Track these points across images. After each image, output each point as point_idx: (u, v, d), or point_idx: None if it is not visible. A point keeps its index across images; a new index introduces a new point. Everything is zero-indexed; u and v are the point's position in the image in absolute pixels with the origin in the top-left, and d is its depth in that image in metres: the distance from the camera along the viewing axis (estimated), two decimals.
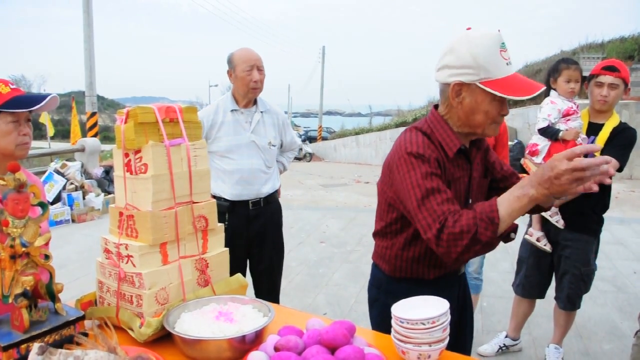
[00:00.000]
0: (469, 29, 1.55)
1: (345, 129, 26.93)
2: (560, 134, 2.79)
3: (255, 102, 3.06)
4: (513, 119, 12.97)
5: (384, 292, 1.80)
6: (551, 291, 3.21)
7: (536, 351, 3.46)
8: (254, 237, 3.08)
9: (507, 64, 1.51)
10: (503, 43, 1.51)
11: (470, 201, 1.72)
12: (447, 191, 1.51)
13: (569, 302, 3.02)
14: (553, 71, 2.86)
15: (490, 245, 1.43)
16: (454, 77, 1.55)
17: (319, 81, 36.05)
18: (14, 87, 1.68)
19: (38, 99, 1.67)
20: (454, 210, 1.47)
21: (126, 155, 1.58)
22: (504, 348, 3.41)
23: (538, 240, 3.03)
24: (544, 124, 2.83)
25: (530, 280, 3.20)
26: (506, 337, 3.43)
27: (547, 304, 3.52)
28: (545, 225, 3.00)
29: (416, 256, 1.70)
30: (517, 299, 3.36)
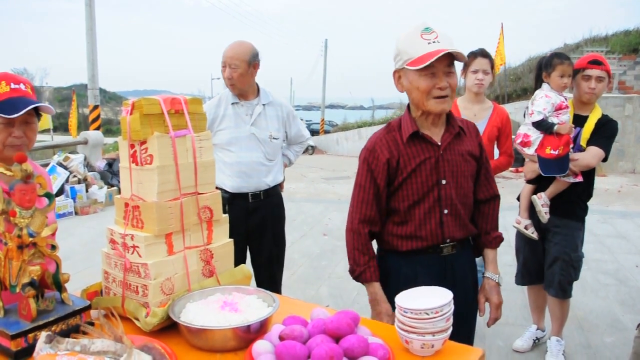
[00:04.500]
0: None
1: (347, 122, 26.89)
2: (555, 127, 2.85)
3: (257, 94, 3.06)
4: (516, 112, 12.94)
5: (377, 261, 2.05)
6: None
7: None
8: (253, 230, 3.08)
9: (429, 43, 1.72)
10: (426, 28, 1.75)
11: (444, 182, 1.87)
12: (370, 192, 1.88)
13: (561, 289, 3.05)
14: (546, 66, 2.94)
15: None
16: (393, 69, 1.85)
17: (321, 74, 36.04)
18: (15, 87, 1.65)
19: (28, 104, 1.63)
20: (368, 221, 1.90)
21: (132, 146, 1.59)
22: (536, 341, 3.44)
23: (526, 228, 3.10)
24: (539, 117, 2.89)
25: (528, 268, 3.26)
26: (537, 329, 3.46)
27: None
28: (534, 213, 3.06)
29: (389, 229, 1.95)
30: (527, 289, 3.45)
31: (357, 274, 1.93)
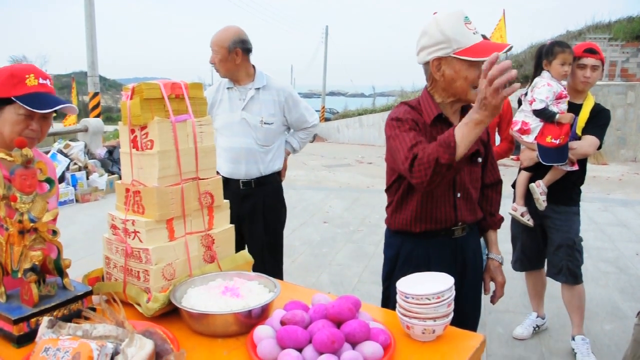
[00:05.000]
0: (435, 13, 1.79)
1: (348, 110, 26.80)
2: (557, 117, 2.86)
3: (253, 79, 3.03)
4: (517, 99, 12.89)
5: (385, 244, 2.08)
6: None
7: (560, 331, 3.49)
8: (244, 217, 3.03)
9: (473, 33, 1.73)
10: (466, 17, 1.74)
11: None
12: (421, 140, 1.72)
13: (571, 274, 3.05)
14: (547, 53, 2.94)
15: (452, 167, 1.60)
16: (431, 55, 1.77)
17: (322, 61, 35.85)
18: (43, 82, 1.66)
19: (57, 103, 1.65)
20: (423, 147, 1.68)
21: (132, 131, 1.58)
22: (536, 328, 3.45)
23: (522, 215, 3.12)
24: (541, 105, 2.89)
25: (527, 254, 3.27)
26: (537, 317, 3.47)
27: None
28: (530, 200, 3.07)
29: (402, 211, 1.94)
30: (525, 276, 3.45)
31: (453, 144, 1.58)
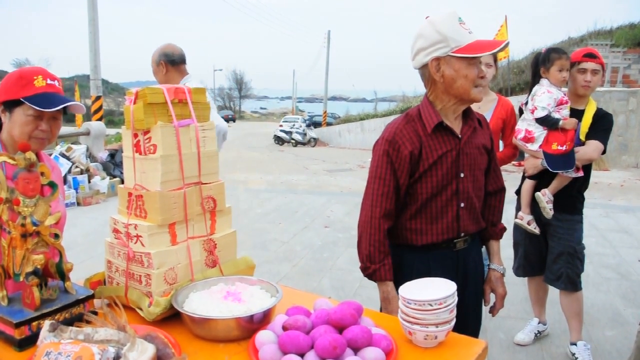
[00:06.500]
0: (427, 17, 1.78)
1: (350, 115, 26.89)
2: (560, 123, 2.85)
3: None
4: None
5: None
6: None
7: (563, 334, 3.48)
8: None
9: (469, 32, 1.72)
10: (460, 17, 1.73)
11: (463, 175, 1.86)
12: (390, 185, 1.82)
13: (570, 282, 3.05)
14: (544, 61, 2.94)
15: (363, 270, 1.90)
16: (429, 56, 1.74)
17: (324, 66, 35.96)
18: (51, 82, 1.68)
19: (64, 101, 1.66)
20: (388, 216, 1.84)
21: (135, 135, 1.58)
22: (537, 334, 3.44)
23: (528, 223, 3.10)
24: (543, 113, 2.89)
25: (530, 260, 3.26)
26: (539, 323, 3.46)
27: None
28: (535, 208, 3.06)
29: (403, 223, 1.90)
30: (527, 282, 3.44)
31: (371, 272, 1.85)
